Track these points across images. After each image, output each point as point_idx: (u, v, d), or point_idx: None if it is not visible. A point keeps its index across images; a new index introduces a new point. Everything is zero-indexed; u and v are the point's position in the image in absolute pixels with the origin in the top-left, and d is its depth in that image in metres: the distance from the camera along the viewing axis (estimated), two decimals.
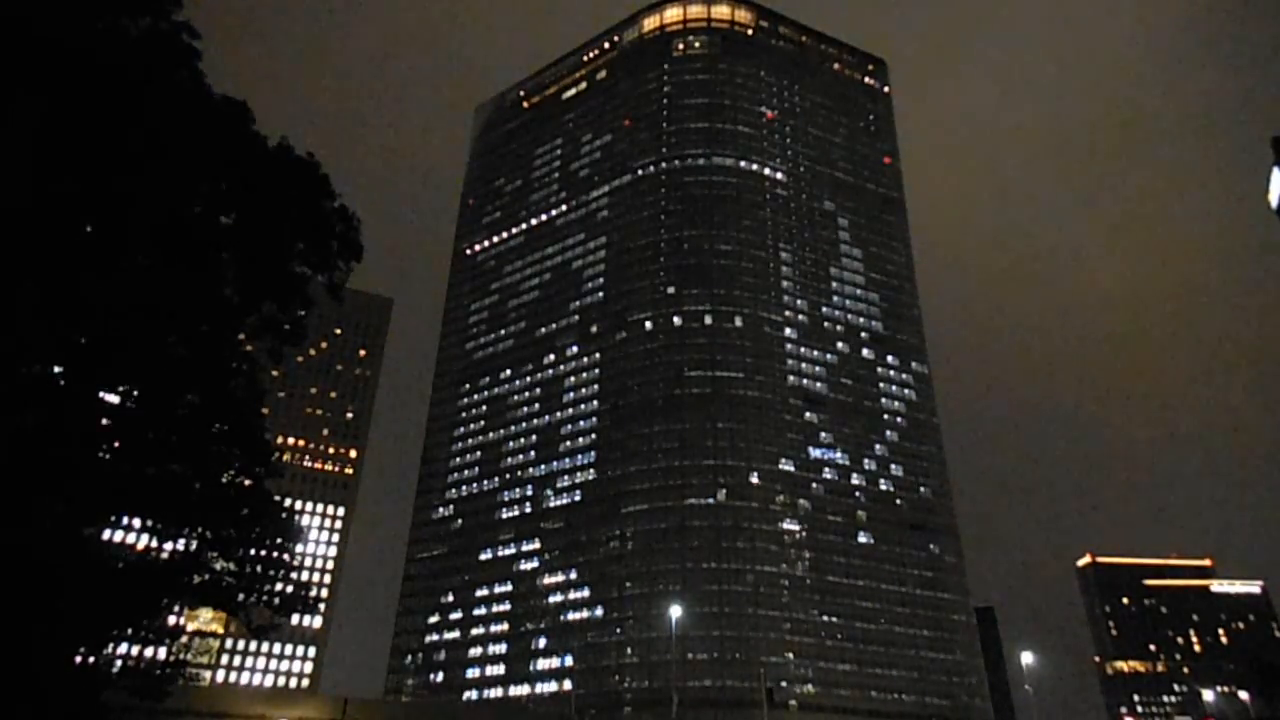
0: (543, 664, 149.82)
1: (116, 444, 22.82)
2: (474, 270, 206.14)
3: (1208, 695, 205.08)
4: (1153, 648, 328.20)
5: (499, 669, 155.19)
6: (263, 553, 26.70)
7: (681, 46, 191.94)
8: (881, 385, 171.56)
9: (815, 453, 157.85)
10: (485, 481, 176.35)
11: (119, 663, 26.16)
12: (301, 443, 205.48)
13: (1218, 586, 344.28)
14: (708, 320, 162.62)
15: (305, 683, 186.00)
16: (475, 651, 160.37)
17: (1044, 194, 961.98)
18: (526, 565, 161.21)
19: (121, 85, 19.86)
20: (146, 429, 23.12)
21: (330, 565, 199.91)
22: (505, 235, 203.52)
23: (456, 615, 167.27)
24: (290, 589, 27.29)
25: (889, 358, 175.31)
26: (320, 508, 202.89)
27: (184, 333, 22.80)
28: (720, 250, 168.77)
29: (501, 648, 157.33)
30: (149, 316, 21.32)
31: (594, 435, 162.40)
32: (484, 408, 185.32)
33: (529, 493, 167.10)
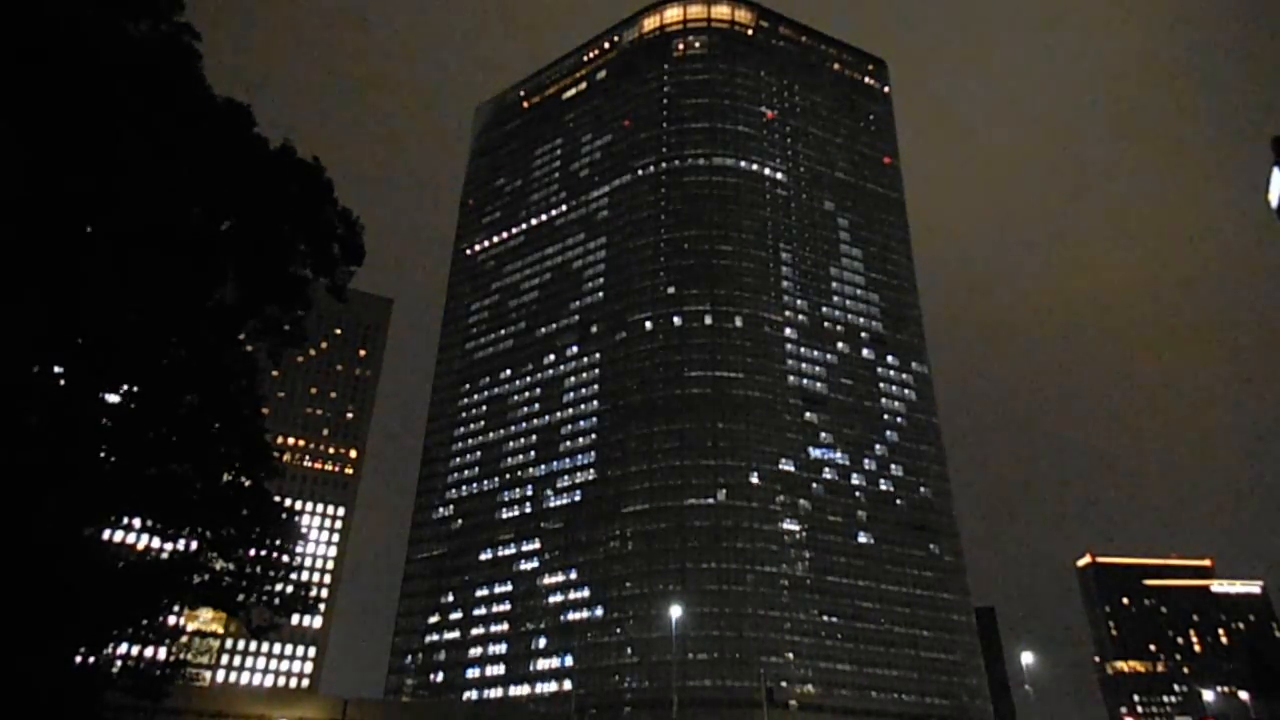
0: (543, 664, 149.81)
1: (116, 444, 22.85)
2: (474, 270, 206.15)
3: (1208, 695, 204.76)
4: (1153, 648, 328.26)
5: (499, 669, 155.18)
6: (263, 553, 26.74)
7: (681, 46, 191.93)
8: (881, 385, 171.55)
9: (815, 453, 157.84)
10: (485, 481, 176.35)
11: (119, 663, 26.17)
12: (301, 443, 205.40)
13: (1218, 586, 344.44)
14: (708, 320, 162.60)
15: (305, 683, 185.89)
16: (475, 651, 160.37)
17: (1044, 194, 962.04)
18: (526, 565, 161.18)
19: (123, 87, 19.89)
20: (146, 429, 23.15)
21: (330, 565, 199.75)
22: (505, 235, 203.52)
23: (456, 615, 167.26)
24: (290, 589, 27.33)
25: (889, 358, 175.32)
26: (320, 508, 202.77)
27: (184, 333, 22.83)
28: (720, 250, 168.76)
29: (501, 648, 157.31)
30: (149, 317, 21.35)
31: (594, 435, 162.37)
32: (484, 408, 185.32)
33: (529, 493, 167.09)
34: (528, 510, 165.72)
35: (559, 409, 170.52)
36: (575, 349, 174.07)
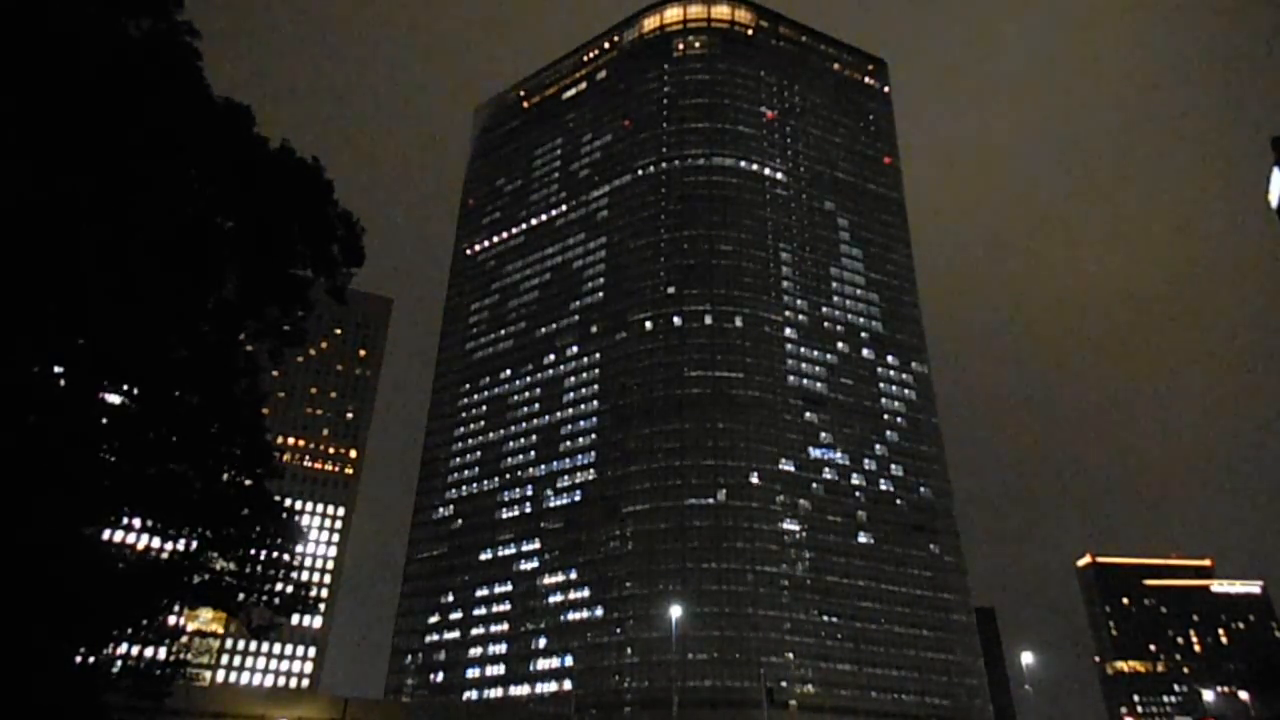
0: (543, 664, 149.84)
1: (116, 444, 22.84)
2: (474, 270, 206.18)
3: (1208, 695, 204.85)
4: (1153, 648, 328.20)
5: (499, 669, 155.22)
6: (263, 553, 26.72)
7: (681, 46, 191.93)
8: (881, 385, 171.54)
9: (815, 453, 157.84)
10: (485, 481, 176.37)
11: (119, 663, 26.17)
12: (301, 443, 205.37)
13: (1218, 586, 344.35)
14: (708, 320, 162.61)
15: (305, 683, 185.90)
16: (475, 651, 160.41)
17: (1044, 194, 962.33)
18: (526, 565, 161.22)
19: (123, 87, 19.89)
20: (147, 429, 23.14)
21: (330, 565, 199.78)
22: (505, 235, 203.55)
23: (456, 615, 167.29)
24: (290, 589, 27.32)
25: (889, 358, 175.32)
26: (320, 508, 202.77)
27: (185, 334, 22.84)
28: (720, 250, 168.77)
29: (501, 648, 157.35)
30: (150, 317, 21.34)
31: (594, 435, 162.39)
32: (484, 408, 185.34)
33: (529, 493, 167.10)
34: (528, 510, 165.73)
35: (559, 409, 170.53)
36: (575, 349, 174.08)
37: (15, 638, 19.51)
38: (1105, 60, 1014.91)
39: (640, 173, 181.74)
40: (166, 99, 20.86)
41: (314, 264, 24.67)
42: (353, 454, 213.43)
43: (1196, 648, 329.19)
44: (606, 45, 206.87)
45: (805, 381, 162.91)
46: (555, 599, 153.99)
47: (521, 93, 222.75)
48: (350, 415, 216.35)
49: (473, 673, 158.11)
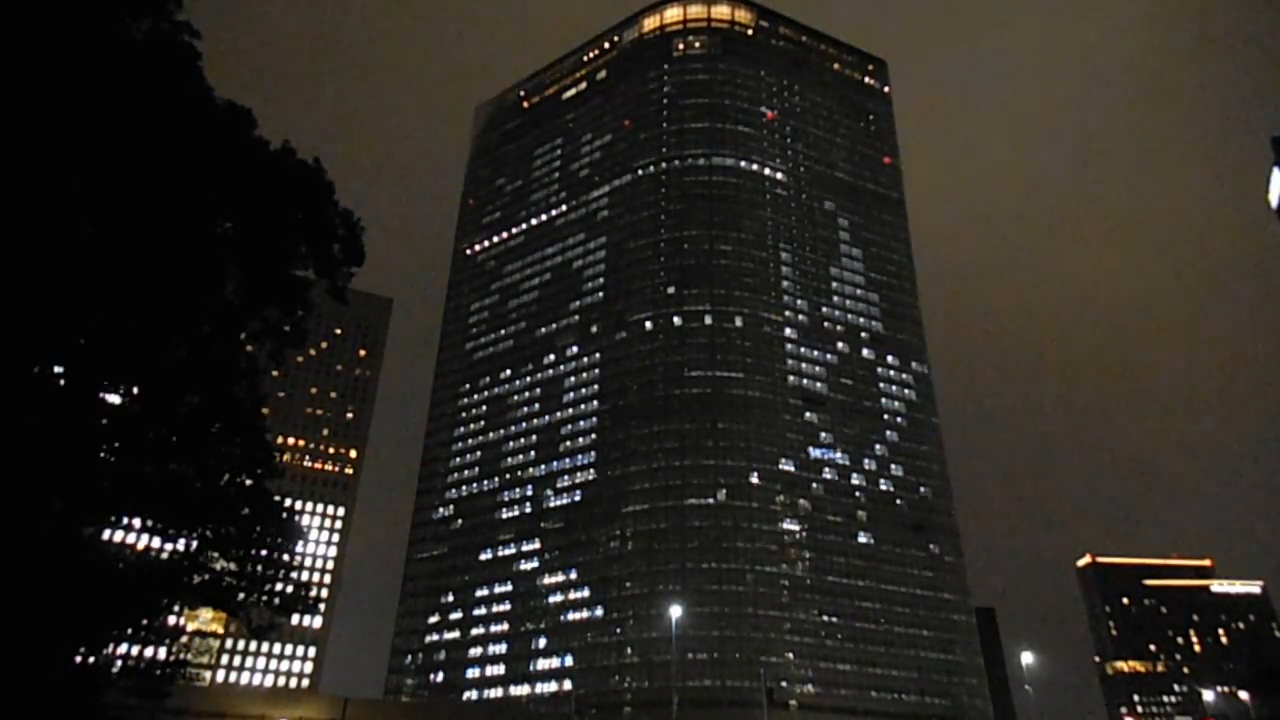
0: (543, 664, 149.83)
1: (116, 444, 22.84)
2: (474, 270, 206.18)
3: (1208, 695, 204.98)
4: (1153, 648, 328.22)
5: (499, 669, 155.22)
6: (263, 553, 26.76)
7: (681, 46, 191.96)
8: (881, 385, 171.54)
9: (815, 453, 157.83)
10: (485, 481, 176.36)
11: (119, 663, 26.18)
12: (301, 443, 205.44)
13: (1218, 586, 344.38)
14: (708, 320, 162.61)
15: (305, 683, 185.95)
16: (475, 651, 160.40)
17: (1044, 194, 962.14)
18: (526, 565, 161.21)
19: (125, 87, 19.89)
20: (147, 429, 23.15)
21: (330, 565, 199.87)
22: (505, 235, 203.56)
23: (456, 615, 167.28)
24: (290, 589, 27.34)
25: (889, 358, 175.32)
26: (320, 508, 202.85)
27: (185, 334, 22.84)
28: (720, 250, 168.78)
29: (501, 648, 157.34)
30: (150, 318, 21.34)
31: (594, 435, 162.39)
32: (484, 408, 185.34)
33: (529, 493, 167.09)
34: (528, 510, 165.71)
35: (559, 409, 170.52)
36: (575, 349, 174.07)
37: (15, 638, 19.51)
38: (1106, 60, 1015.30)
39: (640, 173, 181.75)
40: (167, 100, 20.86)
41: (314, 264, 24.70)
42: (353, 454, 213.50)
43: (1196, 648, 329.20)
44: (606, 45, 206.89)
45: (805, 381, 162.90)
46: (555, 599, 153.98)
47: (521, 93, 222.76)
48: (350, 415, 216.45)
49: (473, 673, 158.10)
